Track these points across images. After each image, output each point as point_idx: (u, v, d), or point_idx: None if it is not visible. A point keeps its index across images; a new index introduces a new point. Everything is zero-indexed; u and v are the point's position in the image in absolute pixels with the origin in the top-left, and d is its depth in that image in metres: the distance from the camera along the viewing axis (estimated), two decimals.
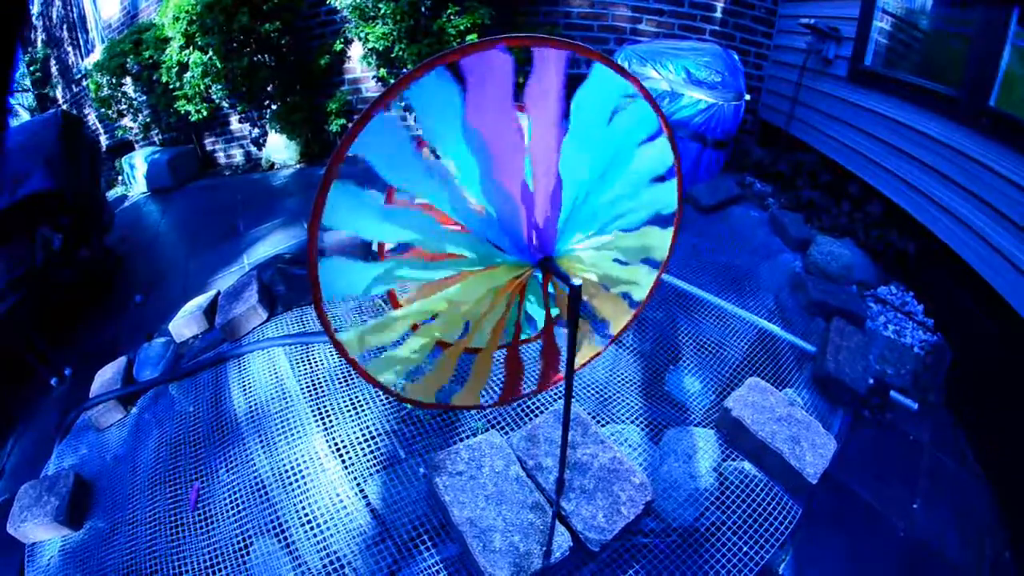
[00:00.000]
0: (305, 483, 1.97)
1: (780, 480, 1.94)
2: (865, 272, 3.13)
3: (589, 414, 2.10)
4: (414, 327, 1.08)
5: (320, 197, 0.80)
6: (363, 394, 2.25)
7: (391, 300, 1.33)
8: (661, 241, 1.24)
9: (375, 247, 1.12)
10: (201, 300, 3.03)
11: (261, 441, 2.16)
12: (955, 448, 2.31)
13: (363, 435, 2.09)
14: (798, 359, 2.51)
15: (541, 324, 1.31)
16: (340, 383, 2.31)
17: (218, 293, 3.02)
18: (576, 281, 0.95)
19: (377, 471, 1.97)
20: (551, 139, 0.90)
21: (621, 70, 0.92)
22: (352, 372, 2.34)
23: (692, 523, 1.82)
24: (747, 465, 1.98)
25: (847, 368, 2.31)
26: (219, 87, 5.02)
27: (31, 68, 8.48)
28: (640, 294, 1.30)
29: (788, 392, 2.28)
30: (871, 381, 2.38)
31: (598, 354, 1.47)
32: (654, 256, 1.24)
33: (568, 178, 0.97)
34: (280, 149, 5.74)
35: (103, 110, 6.10)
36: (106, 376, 2.72)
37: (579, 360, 1.37)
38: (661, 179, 1.13)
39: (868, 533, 1.94)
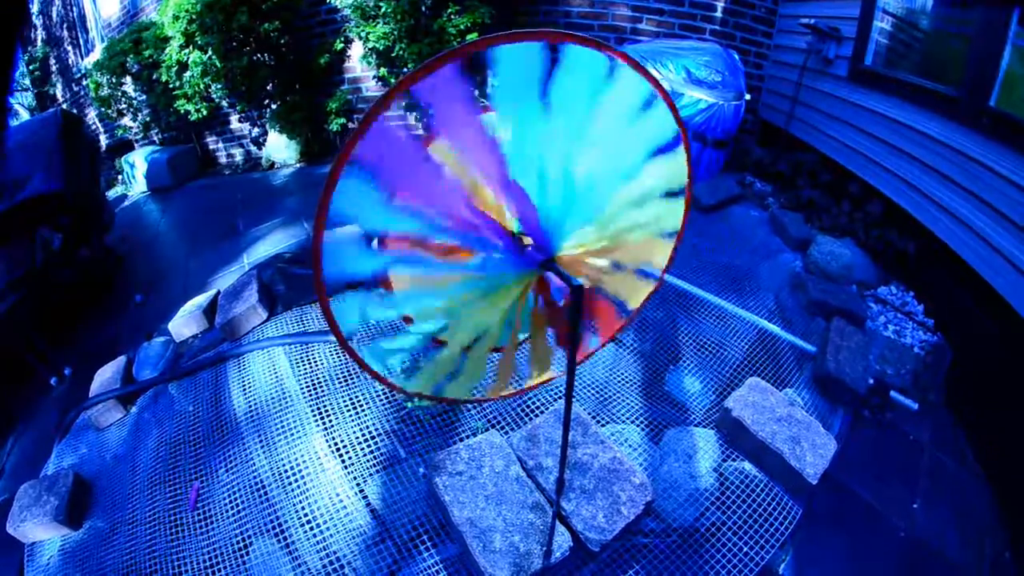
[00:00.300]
0: (305, 483, 1.97)
1: (780, 480, 1.93)
2: (865, 272, 3.13)
3: (589, 414, 2.09)
4: (466, 349, 1.11)
5: (324, 199, 0.80)
6: (363, 394, 2.25)
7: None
8: (672, 166, 1.14)
9: (375, 244, 1.11)
10: (201, 299, 3.03)
11: (261, 441, 2.16)
12: (955, 448, 2.31)
13: (363, 435, 2.09)
14: (798, 359, 2.50)
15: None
16: (340, 383, 2.31)
17: (218, 292, 3.01)
18: (578, 281, 0.95)
19: (377, 471, 1.97)
20: (485, 151, 0.87)
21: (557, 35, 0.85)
22: (351, 371, 2.35)
23: (692, 523, 1.82)
24: (747, 465, 1.98)
25: (847, 368, 2.31)
26: (219, 86, 5.02)
27: (30, 67, 8.47)
28: (674, 223, 1.23)
29: (788, 392, 2.28)
30: (871, 381, 2.38)
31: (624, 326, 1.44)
32: (672, 186, 1.16)
33: (531, 173, 0.94)
34: (280, 148, 5.73)
35: (103, 109, 6.10)
36: (106, 375, 2.72)
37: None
38: (647, 106, 1.03)
39: (868, 533, 1.94)
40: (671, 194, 1.17)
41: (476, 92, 0.87)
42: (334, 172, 0.78)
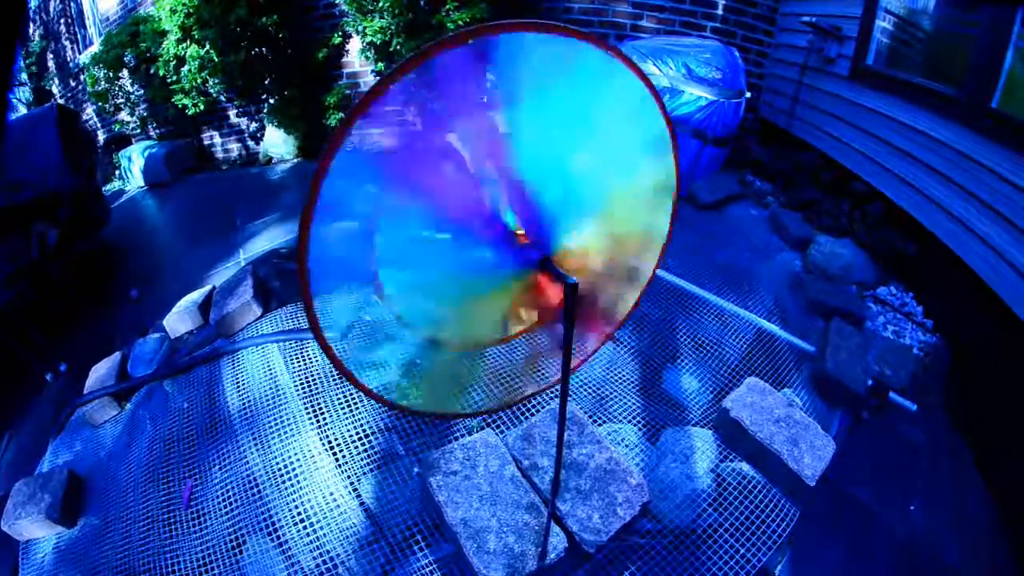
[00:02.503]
0: (298, 481, 1.95)
1: (778, 482, 1.92)
2: (865, 272, 3.11)
3: (586, 413, 2.08)
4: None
5: (313, 193, 0.78)
6: (357, 391, 2.23)
7: None
8: (663, 163, 1.15)
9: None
10: (196, 295, 3.00)
11: (254, 438, 2.14)
12: (953, 450, 2.30)
13: (357, 433, 2.07)
14: (797, 359, 2.49)
15: None
16: (334, 380, 2.29)
17: (213, 288, 2.99)
18: (572, 279, 0.93)
19: (371, 470, 1.96)
20: (487, 140, 0.86)
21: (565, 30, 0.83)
22: None
23: (689, 524, 1.81)
24: (745, 466, 1.97)
25: (846, 368, 2.29)
26: (216, 81, 4.98)
27: (27, 62, 8.42)
28: (664, 219, 1.23)
29: (787, 392, 2.27)
30: (870, 382, 2.36)
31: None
32: (661, 181, 1.17)
33: (529, 167, 0.93)
34: (277, 143, 5.70)
35: (100, 104, 6.06)
36: (100, 372, 2.70)
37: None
38: (642, 104, 1.04)
39: (866, 535, 1.93)
40: (661, 190, 1.17)
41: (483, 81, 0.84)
42: (329, 151, 0.76)
